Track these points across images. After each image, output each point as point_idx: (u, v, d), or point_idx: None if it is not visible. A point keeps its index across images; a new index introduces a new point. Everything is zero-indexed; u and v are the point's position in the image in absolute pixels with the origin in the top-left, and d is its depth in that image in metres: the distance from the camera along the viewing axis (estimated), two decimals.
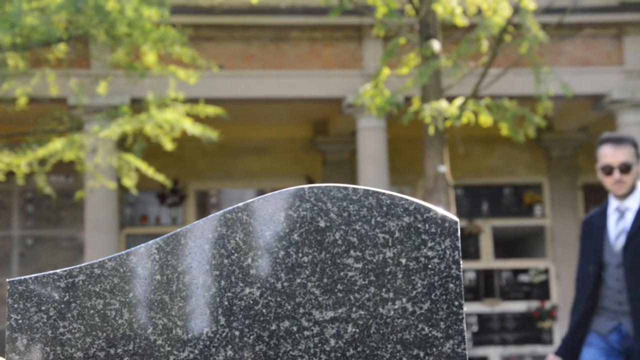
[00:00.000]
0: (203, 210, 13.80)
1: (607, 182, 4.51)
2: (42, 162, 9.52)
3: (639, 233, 4.42)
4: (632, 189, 4.52)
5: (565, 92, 9.33)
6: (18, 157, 9.18)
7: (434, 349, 1.37)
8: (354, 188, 1.39)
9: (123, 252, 1.37)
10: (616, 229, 4.55)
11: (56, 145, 8.99)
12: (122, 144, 10.52)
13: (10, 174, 9.91)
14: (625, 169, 4.45)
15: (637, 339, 4.31)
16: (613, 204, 4.58)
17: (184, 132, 9.52)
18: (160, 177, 9.65)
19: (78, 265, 1.35)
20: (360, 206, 1.39)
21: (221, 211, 1.37)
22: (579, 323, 4.49)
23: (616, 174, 4.45)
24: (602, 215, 4.64)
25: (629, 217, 4.51)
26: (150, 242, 1.37)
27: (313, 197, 1.38)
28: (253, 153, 13.74)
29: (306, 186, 1.38)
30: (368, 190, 1.39)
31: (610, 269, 4.49)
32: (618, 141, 4.51)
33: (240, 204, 1.38)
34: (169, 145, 9.36)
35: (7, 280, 1.34)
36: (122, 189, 11.07)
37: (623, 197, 4.50)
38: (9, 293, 1.33)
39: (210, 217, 1.37)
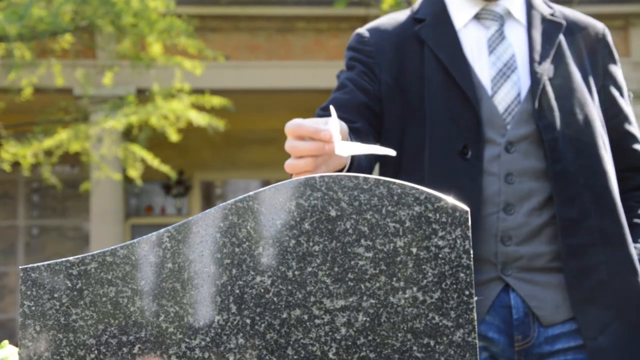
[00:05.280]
0: (208, 200, 13.81)
1: None
2: (48, 152, 9.54)
3: (562, 73, 1.98)
4: None
5: None
6: (24, 148, 9.20)
7: (445, 338, 1.37)
8: (364, 177, 1.39)
9: (135, 240, 1.37)
10: (493, 61, 1.96)
11: (62, 136, 9.00)
12: (128, 135, 10.53)
13: (15, 164, 9.93)
14: None
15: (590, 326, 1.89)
16: (466, 4, 2.00)
17: (189, 123, 9.52)
18: (165, 168, 9.66)
19: (90, 253, 1.36)
20: (371, 195, 1.39)
21: (232, 200, 1.38)
22: None
23: None
24: (443, 27, 1.98)
25: (518, 37, 2.00)
26: (162, 230, 1.38)
27: (324, 186, 1.38)
28: (258, 144, 13.74)
29: (317, 175, 1.38)
30: (379, 180, 1.39)
31: (489, 155, 1.92)
32: None
33: (251, 193, 1.39)
34: (174, 136, 9.36)
35: (19, 267, 1.35)
36: (128, 180, 11.09)
37: None
38: (22, 280, 1.34)
39: (222, 205, 1.37)
